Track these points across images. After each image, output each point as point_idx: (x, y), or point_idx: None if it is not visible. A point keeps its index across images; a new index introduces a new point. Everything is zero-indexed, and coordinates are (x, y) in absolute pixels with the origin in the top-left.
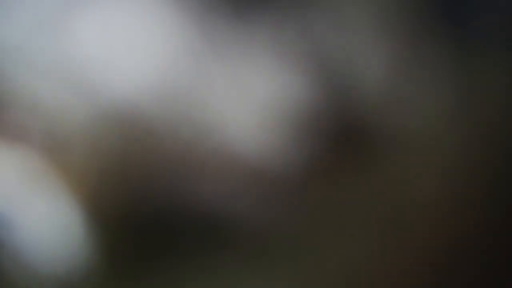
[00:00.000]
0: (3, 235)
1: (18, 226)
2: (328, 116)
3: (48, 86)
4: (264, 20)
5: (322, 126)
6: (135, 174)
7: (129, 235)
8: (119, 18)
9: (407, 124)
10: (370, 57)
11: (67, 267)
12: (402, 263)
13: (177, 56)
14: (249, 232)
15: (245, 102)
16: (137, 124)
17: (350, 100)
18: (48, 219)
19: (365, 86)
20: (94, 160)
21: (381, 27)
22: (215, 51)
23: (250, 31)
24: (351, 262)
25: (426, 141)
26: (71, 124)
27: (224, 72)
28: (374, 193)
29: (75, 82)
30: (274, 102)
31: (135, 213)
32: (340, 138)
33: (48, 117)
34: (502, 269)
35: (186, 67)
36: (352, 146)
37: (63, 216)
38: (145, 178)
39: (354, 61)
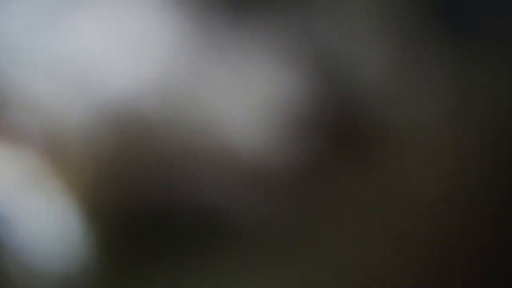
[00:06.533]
0: (2, 235)
1: (17, 226)
2: (328, 115)
3: (47, 85)
4: (264, 19)
5: (321, 125)
6: (134, 173)
7: (128, 234)
8: (118, 17)
9: (407, 124)
10: (370, 57)
11: (66, 267)
12: (403, 262)
13: (176, 55)
14: (249, 231)
15: (244, 100)
16: (136, 123)
17: (350, 99)
18: (47, 219)
19: (365, 85)
20: (93, 159)
21: (381, 27)
22: (214, 50)
23: (249, 30)
24: (351, 262)
25: (426, 140)
26: (70, 123)
27: (223, 70)
28: (374, 191)
29: (74, 81)
30: (273, 100)
31: (134, 212)
32: (340, 137)
33: (47, 116)
34: (503, 269)
35: (185, 66)
36: (351, 145)
37: (62, 215)
38: (144, 177)
39: (354, 61)
